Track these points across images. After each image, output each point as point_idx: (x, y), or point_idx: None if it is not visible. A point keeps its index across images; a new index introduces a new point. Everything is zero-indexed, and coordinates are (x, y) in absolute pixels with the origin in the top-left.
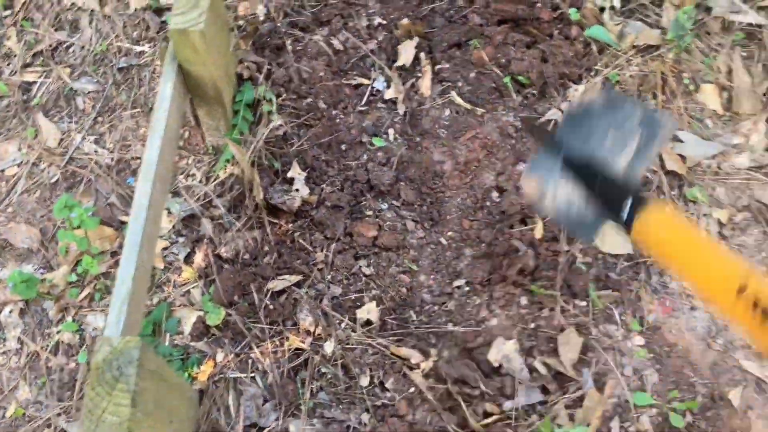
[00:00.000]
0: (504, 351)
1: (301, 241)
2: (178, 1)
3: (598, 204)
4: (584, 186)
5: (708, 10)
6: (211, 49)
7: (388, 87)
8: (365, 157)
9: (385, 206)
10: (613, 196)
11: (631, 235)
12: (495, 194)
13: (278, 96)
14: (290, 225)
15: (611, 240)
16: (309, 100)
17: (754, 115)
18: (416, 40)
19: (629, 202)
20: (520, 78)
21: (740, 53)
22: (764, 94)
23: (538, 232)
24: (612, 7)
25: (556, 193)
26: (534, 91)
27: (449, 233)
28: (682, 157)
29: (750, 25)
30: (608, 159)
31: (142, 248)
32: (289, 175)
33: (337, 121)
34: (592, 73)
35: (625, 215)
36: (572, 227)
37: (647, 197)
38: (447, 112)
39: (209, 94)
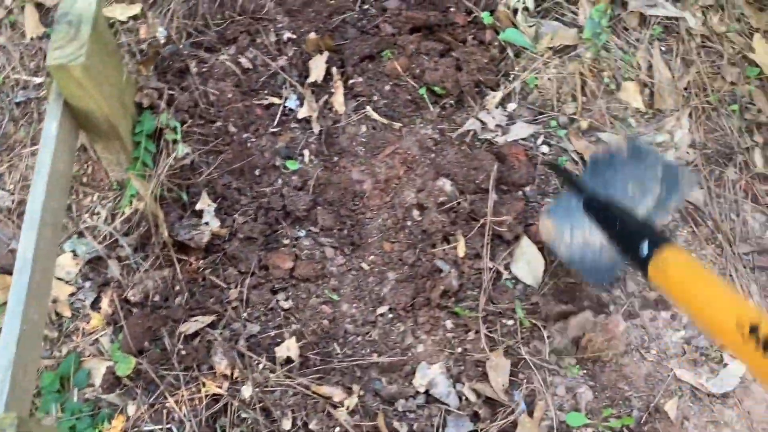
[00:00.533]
0: (430, 376)
1: (213, 278)
2: (56, 33)
3: (615, 244)
4: (603, 227)
5: (624, 5)
6: (98, 82)
7: (301, 105)
8: (280, 181)
9: (302, 233)
10: (631, 237)
11: (647, 275)
12: (416, 213)
13: (183, 123)
14: (201, 261)
15: (523, 268)
16: (218, 124)
17: (677, 110)
18: (326, 54)
19: (646, 243)
20: (435, 89)
21: (659, 48)
22: (685, 89)
23: (461, 250)
24: (526, 9)
25: (573, 236)
26: (451, 101)
27: (371, 257)
28: None
29: (667, 18)
30: (629, 205)
31: (29, 306)
32: (198, 207)
33: (249, 144)
34: (510, 78)
35: (644, 253)
36: (586, 271)
37: (664, 239)
38: (363, 128)
39: (103, 129)
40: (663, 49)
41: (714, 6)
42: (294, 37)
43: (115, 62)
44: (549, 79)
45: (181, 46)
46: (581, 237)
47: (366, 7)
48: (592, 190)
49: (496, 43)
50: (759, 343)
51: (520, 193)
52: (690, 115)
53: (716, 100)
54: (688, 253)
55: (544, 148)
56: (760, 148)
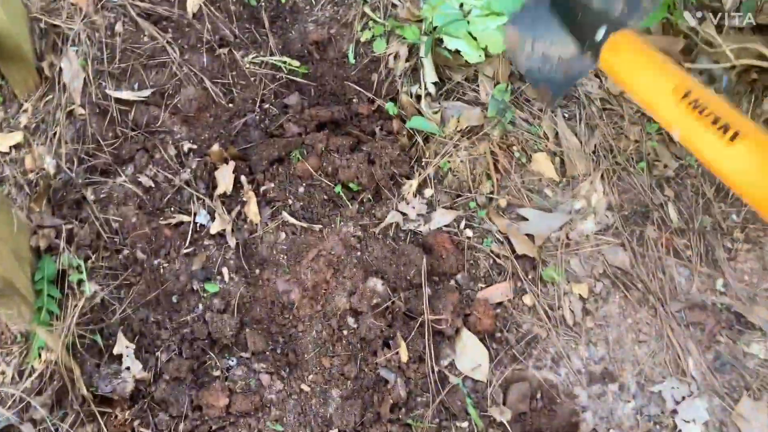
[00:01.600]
0: None
1: (142, 429)
2: None
3: (575, 35)
4: (566, 19)
5: (522, 77)
6: None
7: (213, 220)
8: (201, 306)
9: (233, 362)
10: (591, 24)
11: (599, 60)
12: (351, 320)
13: (87, 259)
14: (127, 412)
15: (468, 363)
16: (125, 252)
17: (589, 175)
18: (232, 163)
19: (604, 28)
20: (351, 185)
21: (563, 115)
22: (594, 152)
23: (404, 355)
24: (428, 94)
25: (534, 48)
26: (369, 196)
27: (311, 377)
28: (530, 237)
29: None
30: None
31: None
32: (116, 350)
33: (162, 271)
34: (423, 164)
35: (599, 37)
36: (541, 82)
37: (620, 24)
38: (282, 235)
39: (1, 283)
40: (566, 115)
41: None
42: (195, 147)
43: (2, 218)
44: (461, 161)
45: (73, 174)
46: (541, 49)
47: (266, 106)
48: None
49: (404, 132)
50: (690, 103)
51: (453, 282)
52: (602, 177)
53: (624, 160)
54: (640, 36)
55: (468, 232)
56: (673, 203)
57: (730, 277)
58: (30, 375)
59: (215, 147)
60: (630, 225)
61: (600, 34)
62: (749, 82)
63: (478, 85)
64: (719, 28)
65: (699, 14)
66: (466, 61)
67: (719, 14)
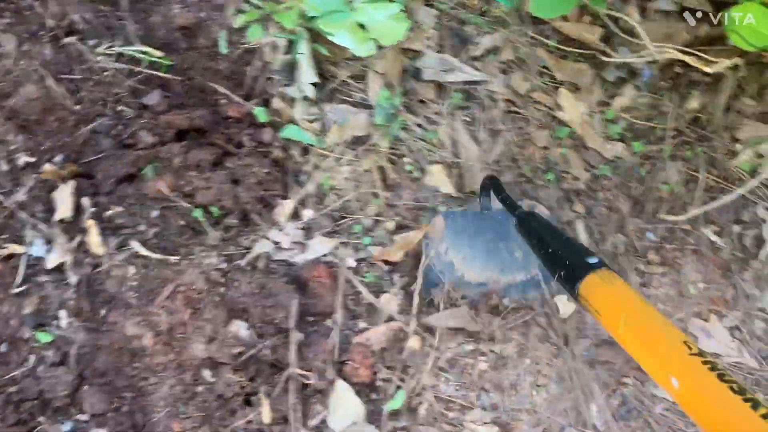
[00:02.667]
0: None
1: None
2: None
3: (549, 260)
4: (539, 242)
5: (417, 75)
6: None
7: (51, 251)
8: (33, 358)
9: (68, 427)
10: (576, 252)
11: (578, 290)
12: (207, 373)
13: None
14: None
15: (342, 421)
16: None
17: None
18: (72, 182)
19: (596, 258)
20: (213, 209)
21: (461, 119)
22: (496, 162)
23: (267, 415)
24: (305, 97)
25: (447, 253)
26: (234, 220)
27: None
28: None
29: (466, 83)
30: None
31: None
32: None
33: None
34: (301, 181)
35: (594, 261)
36: (428, 282)
37: (601, 263)
38: (132, 269)
39: None
40: (467, 119)
41: (515, 61)
42: (33, 160)
43: None
44: (345, 177)
45: None
46: (450, 259)
47: (120, 108)
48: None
49: (277, 143)
50: (705, 362)
51: (329, 322)
52: None
53: (530, 171)
54: (621, 280)
55: (351, 261)
56: (583, 219)
57: None
58: None
59: (47, 165)
60: None
61: (593, 259)
62: (673, 77)
63: (366, 84)
64: (643, 11)
65: None
66: (353, 54)
67: None
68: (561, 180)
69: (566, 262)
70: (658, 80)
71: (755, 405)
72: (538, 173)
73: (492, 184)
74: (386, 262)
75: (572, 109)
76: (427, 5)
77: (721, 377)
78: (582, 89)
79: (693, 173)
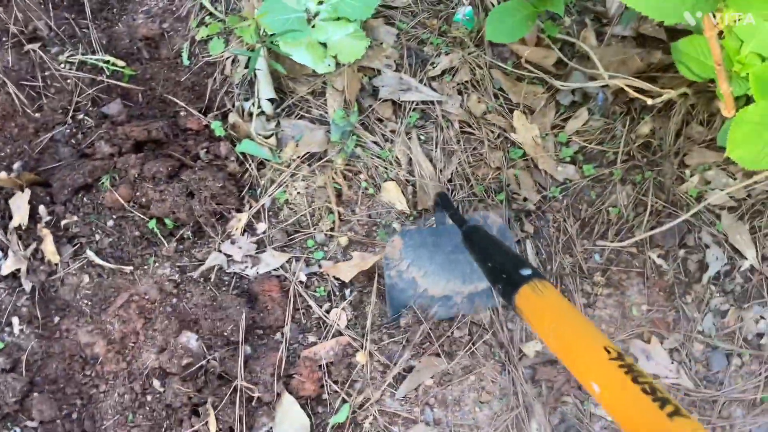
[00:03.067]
0: None
1: None
2: None
3: (489, 269)
4: (481, 253)
5: (375, 93)
6: None
7: (6, 258)
8: None
9: None
10: (514, 263)
11: (514, 300)
12: (157, 382)
13: None
14: None
15: (284, 426)
16: None
17: None
18: (28, 191)
19: (528, 270)
20: (167, 221)
21: (418, 137)
22: (449, 180)
23: (213, 427)
24: (262, 113)
25: (408, 270)
26: (189, 233)
27: None
28: None
29: (423, 102)
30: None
31: None
32: None
33: None
34: (257, 194)
35: (523, 274)
36: (393, 302)
37: (534, 274)
38: (86, 278)
39: None
40: (422, 138)
41: (470, 82)
42: None
43: None
44: (299, 192)
45: None
46: (412, 276)
47: (80, 116)
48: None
49: (233, 157)
50: (622, 366)
51: (278, 335)
52: (457, 209)
53: (482, 191)
54: (555, 290)
55: (302, 276)
56: (531, 240)
57: None
58: None
59: (2, 174)
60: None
61: (526, 271)
62: (626, 102)
63: (325, 101)
64: (600, 36)
65: (579, 19)
66: (313, 71)
67: (603, 21)
68: (512, 200)
69: (503, 275)
70: (611, 105)
71: (663, 404)
72: (490, 193)
73: (441, 200)
74: (337, 278)
75: (526, 131)
76: (387, 24)
77: (635, 380)
78: (536, 112)
79: (641, 197)
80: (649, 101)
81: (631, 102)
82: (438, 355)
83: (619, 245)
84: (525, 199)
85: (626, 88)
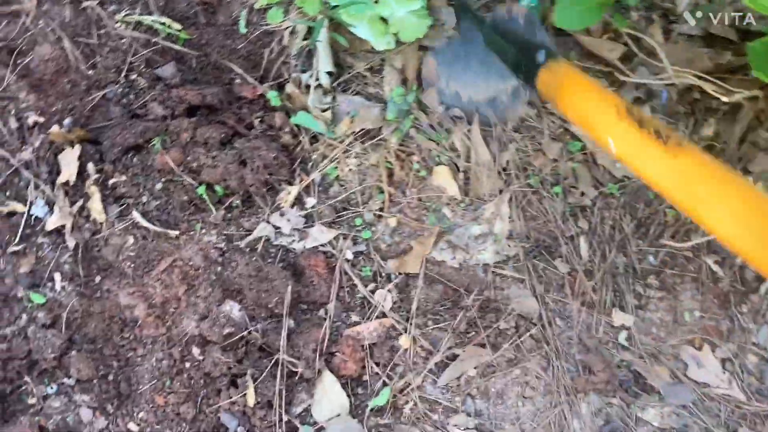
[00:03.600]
0: None
1: None
2: None
3: (511, 58)
4: (503, 44)
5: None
6: None
7: (52, 213)
8: (24, 318)
9: (52, 389)
10: (531, 48)
11: (537, 82)
12: (196, 350)
13: None
14: None
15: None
16: None
17: (496, 196)
18: (78, 147)
19: (544, 52)
20: (217, 188)
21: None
22: (504, 169)
23: (251, 398)
24: (319, 85)
25: (448, 85)
26: (238, 202)
27: (141, 414)
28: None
29: None
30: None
31: None
32: None
33: None
34: (308, 168)
35: (540, 59)
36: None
37: (547, 56)
38: (131, 239)
39: None
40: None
41: None
42: (42, 120)
43: None
44: (350, 169)
45: None
46: (455, 88)
47: (134, 77)
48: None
49: (288, 128)
50: (633, 119)
51: (322, 312)
52: (510, 200)
53: (538, 182)
54: (573, 66)
55: (348, 254)
56: (586, 236)
57: (636, 330)
58: None
59: (55, 128)
60: (532, 258)
61: (541, 56)
62: (690, 102)
63: (382, 78)
64: (667, 33)
65: (646, 15)
66: (372, 47)
67: (670, 18)
68: (568, 194)
69: (522, 66)
70: (675, 104)
71: (658, 135)
72: (546, 185)
73: (456, 7)
74: (383, 259)
75: None
76: (450, 4)
77: (640, 124)
78: None
79: None
80: (723, 97)
81: (695, 102)
82: (483, 345)
83: (675, 246)
84: (582, 194)
85: (698, 83)
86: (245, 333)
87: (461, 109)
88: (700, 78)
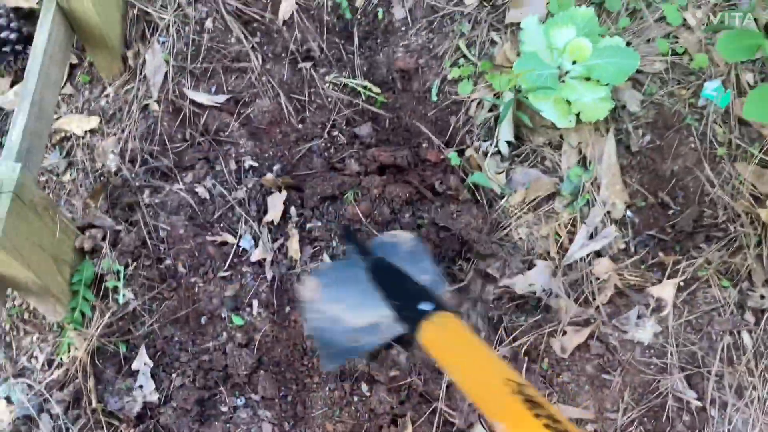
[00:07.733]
0: None
1: None
2: None
3: (394, 303)
4: (386, 287)
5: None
6: (21, 251)
7: (256, 246)
8: (225, 335)
9: (241, 402)
10: (415, 296)
11: (418, 334)
12: (365, 386)
13: (127, 266)
14: (132, 430)
15: None
16: (167, 262)
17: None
18: (285, 192)
19: (429, 303)
20: None
21: None
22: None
23: None
24: (498, 152)
25: (328, 309)
26: None
27: None
28: None
29: None
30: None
31: None
32: (135, 366)
33: (196, 290)
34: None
35: (425, 309)
36: (323, 344)
37: (443, 306)
38: None
39: (32, 290)
40: None
41: None
42: (256, 165)
43: (45, 223)
44: (520, 238)
45: (133, 174)
46: (334, 312)
47: (335, 133)
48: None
49: (465, 191)
50: (524, 399)
51: None
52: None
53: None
54: (461, 322)
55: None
56: None
57: None
58: (58, 368)
59: (269, 175)
60: None
61: (427, 305)
62: None
63: (560, 154)
64: None
65: None
66: (552, 123)
67: None
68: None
69: (404, 313)
70: None
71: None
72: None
73: (344, 233)
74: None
75: None
76: (634, 87)
77: (537, 416)
78: None
79: None
80: None
81: None
82: None
83: None
84: None
85: None
86: (409, 379)
87: (334, 339)
88: None
